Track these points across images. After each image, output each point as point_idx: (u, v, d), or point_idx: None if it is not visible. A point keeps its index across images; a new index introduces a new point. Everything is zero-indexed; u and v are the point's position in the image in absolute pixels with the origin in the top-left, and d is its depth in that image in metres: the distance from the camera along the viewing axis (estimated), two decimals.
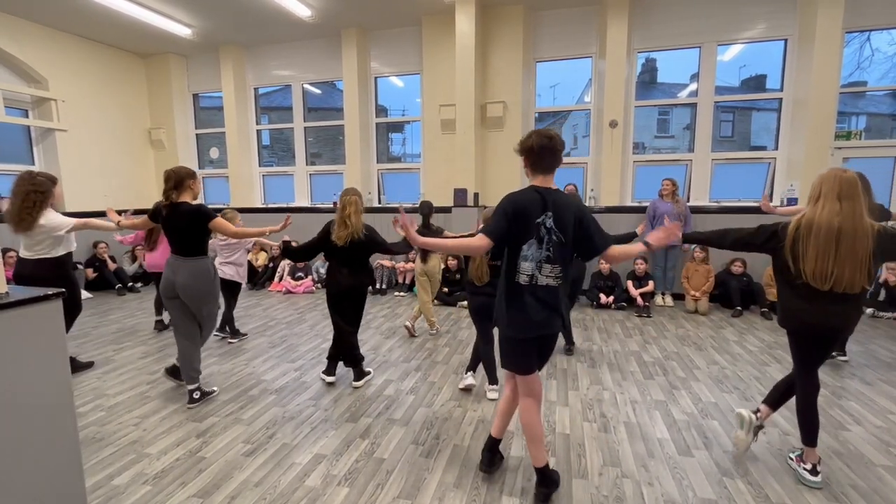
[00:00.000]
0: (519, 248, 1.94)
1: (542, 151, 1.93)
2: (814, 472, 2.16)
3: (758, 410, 2.39)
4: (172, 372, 3.21)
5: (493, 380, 3.14)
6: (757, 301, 5.22)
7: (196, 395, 3.03)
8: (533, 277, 1.93)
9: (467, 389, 3.21)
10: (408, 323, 4.49)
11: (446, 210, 6.25)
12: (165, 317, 4.86)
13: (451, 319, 5.06)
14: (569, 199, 1.99)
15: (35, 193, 3.21)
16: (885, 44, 5.36)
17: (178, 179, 2.92)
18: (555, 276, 1.94)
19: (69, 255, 3.46)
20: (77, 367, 3.58)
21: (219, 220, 2.96)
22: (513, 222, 1.92)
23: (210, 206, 3.13)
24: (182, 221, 2.91)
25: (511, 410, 2.23)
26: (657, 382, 3.35)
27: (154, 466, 2.37)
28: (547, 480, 2.06)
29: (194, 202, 2.99)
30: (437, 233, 4.36)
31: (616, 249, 2.02)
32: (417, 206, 4.61)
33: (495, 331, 3.14)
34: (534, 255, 1.92)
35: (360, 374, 3.36)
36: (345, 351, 3.32)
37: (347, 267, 3.19)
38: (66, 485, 1.53)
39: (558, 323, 2.01)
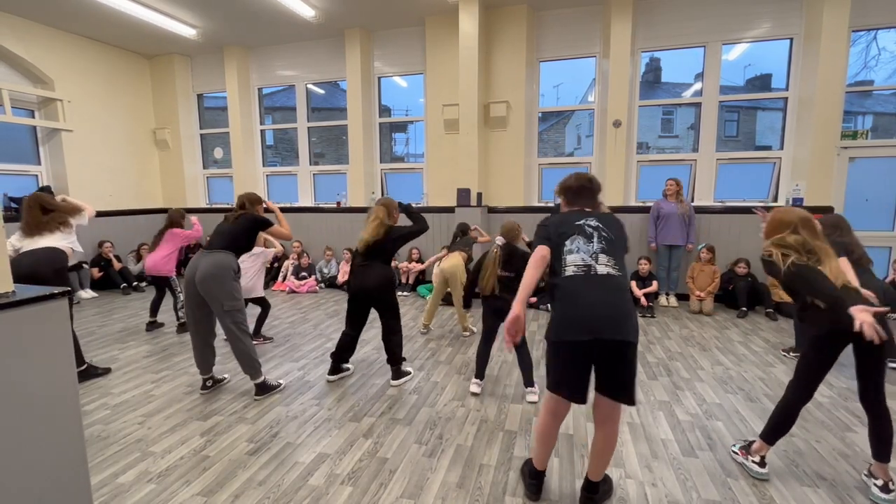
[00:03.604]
0: (561, 247, 1.90)
1: (580, 190, 2.09)
2: (762, 464, 2.22)
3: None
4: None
5: (529, 382, 3.12)
6: (762, 302, 5.19)
7: (209, 384, 3.27)
8: (589, 267, 1.82)
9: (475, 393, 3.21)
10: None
11: (449, 210, 6.25)
12: (160, 317, 4.90)
13: (455, 321, 5.05)
14: (611, 215, 2.07)
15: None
16: (892, 43, 5.31)
17: (245, 202, 3.37)
18: (612, 266, 1.84)
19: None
20: (95, 373, 3.57)
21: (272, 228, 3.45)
22: (554, 226, 1.98)
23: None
24: (242, 221, 3.25)
25: (551, 435, 2.05)
26: (661, 383, 3.34)
27: (158, 465, 2.38)
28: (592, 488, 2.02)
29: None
30: (468, 244, 4.72)
31: None
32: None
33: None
34: (582, 247, 1.86)
35: (398, 372, 3.38)
36: (387, 350, 3.39)
37: (366, 267, 3.28)
38: (72, 483, 1.54)
39: (626, 327, 1.74)
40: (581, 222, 1.94)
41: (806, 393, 2.15)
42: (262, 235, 3.86)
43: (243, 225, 3.23)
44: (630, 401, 1.83)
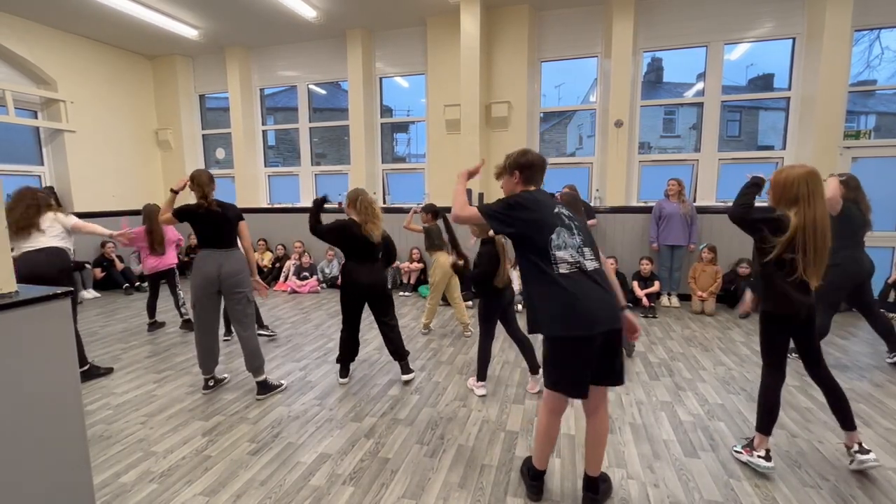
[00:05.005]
0: (547, 239, 1.80)
1: (540, 170, 2.01)
2: (767, 457, 2.23)
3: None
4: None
5: (535, 369, 3.18)
6: None
7: (211, 384, 3.29)
8: (580, 263, 1.80)
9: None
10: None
11: (450, 210, 6.24)
12: (159, 317, 4.90)
13: (456, 321, 5.04)
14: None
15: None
16: (895, 42, 5.29)
17: (205, 181, 3.10)
18: (595, 259, 1.87)
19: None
20: (97, 373, 3.58)
21: (244, 224, 3.26)
22: (525, 209, 1.86)
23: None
24: (229, 216, 3.13)
25: (553, 434, 2.03)
26: (663, 383, 3.33)
27: (160, 465, 2.38)
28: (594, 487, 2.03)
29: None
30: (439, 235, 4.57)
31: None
32: (424, 205, 4.70)
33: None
34: (568, 242, 1.81)
35: (408, 366, 3.40)
36: (395, 346, 3.37)
37: (372, 264, 3.27)
38: (74, 482, 1.54)
39: (619, 315, 1.83)
40: (557, 210, 1.88)
41: (779, 374, 2.26)
42: None
43: (229, 217, 3.13)
44: (619, 379, 1.92)
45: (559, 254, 1.80)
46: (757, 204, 2.18)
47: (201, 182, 3.06)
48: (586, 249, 1.85)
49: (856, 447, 2.21)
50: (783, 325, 2.21)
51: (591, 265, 1.83)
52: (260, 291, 3.28)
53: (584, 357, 1.79)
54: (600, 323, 1.74)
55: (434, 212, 4.54)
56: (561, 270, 1.79)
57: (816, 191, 2.01)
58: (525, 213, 1.87)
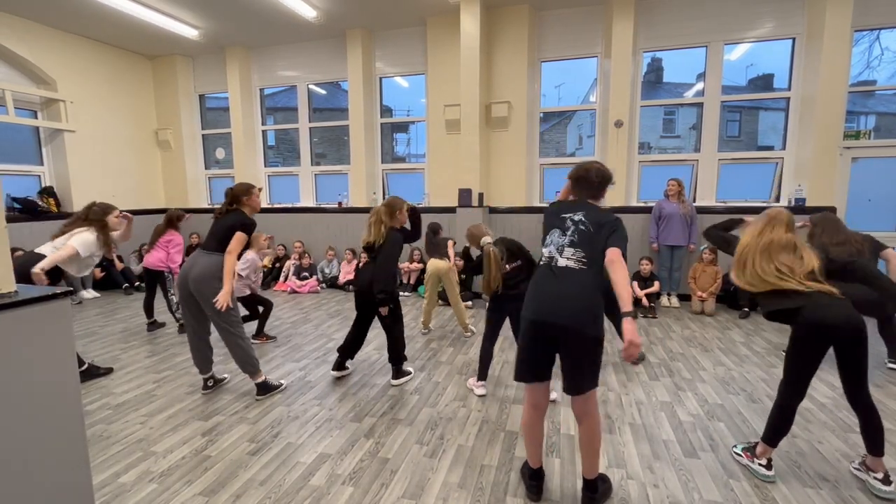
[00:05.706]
0: (544, 238, 2.09)
1: (577, 180, 2.16)
2: (769, 466, 2.22)
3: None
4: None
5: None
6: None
7: (210, 384, 3.29)
8: (552, 259, 1.99)
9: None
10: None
11: (451, 210, 6.25)
12: (157, 317, 4.89)
13: (457, 321, 5.04)
14: (608, 214, 2.05)
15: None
16: (895, 42, 5.29)
17: (233, 196, 3.14)
18: (576, 259, 1.92)
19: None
20: (97, 374, 3.57)
21: (238, 235, 3.00)
22: (545, 216, 2.17)
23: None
24: (223, 221, 3.10)
25: (534, 428, 2.08)
26: (663, 384, 3.33)
27: (160, 465, 2.38)
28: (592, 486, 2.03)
29: (249, 213, 3.15)
30: (443, 246, 4.73)
31: (614, 254, 1.87)
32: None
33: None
34: (554, 241, 2.02)
35: (397, 372, 3.40)
36: (389, 350, 3.43)
37: (368, 264, 3.32)
38: (73, 482, 1.54)
39: (575, 316, 1.83)
40: (567, 215, 2.05)
41: (796, 393, 2.17)
42: (254, 237, 3.61)
43: (225, 224, 3.06)
44: (569, 389, 1.93)
45: (543, 250, 2.07)
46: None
47: (226, 195, 3.20)
48: (569, 249, 1.95)
49: (880, 474, 2.09)
50: (807, 334, 2.10)
51: (562, 262, 1.95)
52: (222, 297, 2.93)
53: (529, 338, 1.97)
54: (539, 312, 1.91)
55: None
56: (540, 263, 2.07)
57: (766, 241, 2.22)
58: (545, 218, 2.18)
